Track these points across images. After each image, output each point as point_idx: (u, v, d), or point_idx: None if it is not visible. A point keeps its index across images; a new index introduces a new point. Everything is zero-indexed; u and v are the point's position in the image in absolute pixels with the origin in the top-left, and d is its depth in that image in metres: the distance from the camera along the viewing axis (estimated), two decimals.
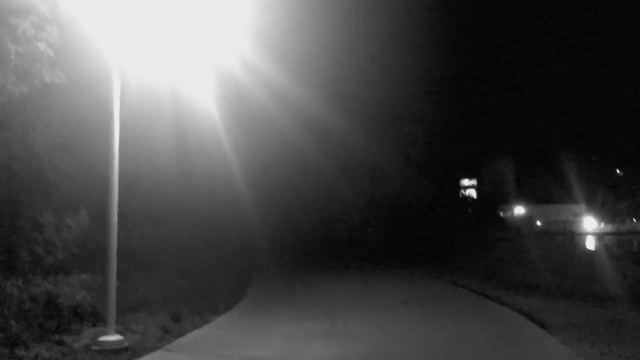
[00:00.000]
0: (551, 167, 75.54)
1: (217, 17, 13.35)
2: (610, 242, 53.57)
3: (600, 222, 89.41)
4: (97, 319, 11.45)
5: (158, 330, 11.12)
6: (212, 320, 12.63)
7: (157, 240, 19.27)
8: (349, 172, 34.65)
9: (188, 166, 22.21)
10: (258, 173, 28.20)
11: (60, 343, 9.79)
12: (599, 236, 70.03)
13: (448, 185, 44.65)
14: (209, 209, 24.99)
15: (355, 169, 35.05)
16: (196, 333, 11.31)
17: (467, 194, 53.61)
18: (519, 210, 77.77)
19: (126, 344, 9.65)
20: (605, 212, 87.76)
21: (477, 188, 59.62)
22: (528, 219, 74.82)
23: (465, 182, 60.44)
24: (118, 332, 10.01)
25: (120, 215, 10.19)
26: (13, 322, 9.84)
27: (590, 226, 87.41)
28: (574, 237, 67.36)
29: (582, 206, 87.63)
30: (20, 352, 9.10)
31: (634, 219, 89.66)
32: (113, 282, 9.88)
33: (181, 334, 11.07)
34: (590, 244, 52.92)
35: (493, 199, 52.72)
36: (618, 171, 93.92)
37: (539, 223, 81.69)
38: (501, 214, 58.33)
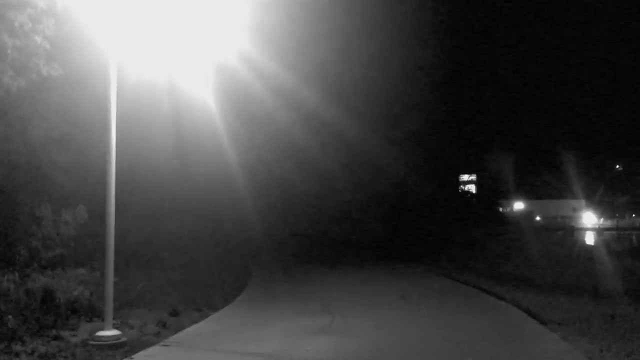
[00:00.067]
0: (551, 162, 75.47)
1: (215, 11, 13.25)
2: (610, 238, 53.55)
3: (599, 217, 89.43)
4: (94, 314, 11.44)
5: (156, 326, 11.08)
6: (210, 316, 12.61)
7: (156, 235, 19.24)
8: (348, 168, 34.60)
9: (186, 161, 22.16)
10: (257, 169, 28.17)
11: (57, 338, 9.74)
12: (599, 231, 70.02)
13: (447, 181, 44.58)
14: (207, 204, 24.95)
15: (355, 165, 34.99)
16: (194, 328, 11.27)
17: (466, 189, 53.52)
18: (519, 205, 77.74)
19: (123, 339, 9.60)
20: (604, 207, 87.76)
21: (477, 183, 59.54)
22: (527, 214, 74.76)
23: (465, 177, 60.37)
24: (115, 327, 9.98)
25: (118, 210, 10.14)
26: (10, 317, 9.79)
27: (590, 221, 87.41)
28: (573, 232, 67.35)
29: (582, 201, 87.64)
30: (17, 347, 9.05)
31: (633, 215, 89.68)
32: (110, 277, 9.82)
33: (179, 329, 11.03)
34: (590, 239, 52.91)
35: (492, 194, 52.59)
36: (618, 166, 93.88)
37: (538, 218, 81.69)
38: (501, 209, 58.21)
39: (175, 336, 10.45)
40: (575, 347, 9.44)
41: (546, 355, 9.08)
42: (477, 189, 55.96)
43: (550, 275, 19.77)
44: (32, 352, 8.84)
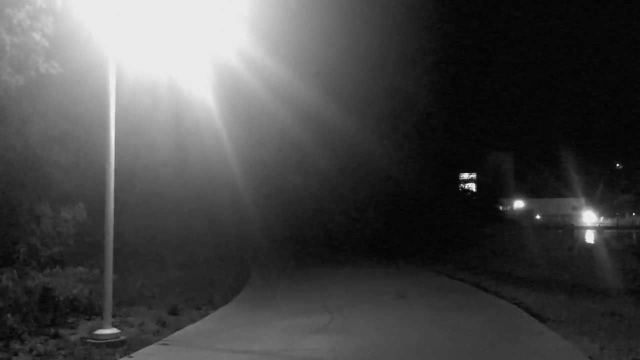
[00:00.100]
0: (551, 160, 75.50)
1: (215, 9, 13.21)
2: (610, 236, 53.61)
3: (599, 215, 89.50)
4: (93, 312, 11.44)
5: (155, 324, 11.06)
6: (209, 314, 12.59)
7: (155, 233, 19.22)
8: (347, 167, 34.54)
9: (185, 160, 22.14)
10: (256, 168, 28.13)
11: (56, 336, 9.74)
12: (599, 230, 70.10)
13: (448, 179, 44.51)
14: (206, 203, 24.93)
15: (354, 163, 34.92)
16: (193, 326, 11.26)
17: (466, 187, 53.46)
18: (519, 204, 77.80)
19: (122, 337, 9.57)
20: (604, 205, 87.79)
21: (477, 182, 59.52)
22: (527, 213, 74.85)
23: (465, 176, 60.33)
24: (114, 325, 9.97)
25: (117, 208, 10.12)
26: (8, 315, 9.76)
27: (590, 220, 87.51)
28: (573, 230, 67.42)
29: (582, 200, 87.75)
30: (15, 345, 9.05)
31: (633, 213, 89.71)
32: (109, 275, 9.80)
33: (178, 327, 11.01)
34: (590, 237, 52.96)
35: (493, 192, 52.59)
36: (618, 165, 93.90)
37: (538, 217, 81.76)
38: (501, 207, 58.21)
39: (174, 335, 10.44)
40: (576, 345, 9.41)
41: (546, 354, 9.06)
42: (477, 187, 55.90)
43: (550, 273, 19.78)
44: (31, 351, 8.82)
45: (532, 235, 40.20)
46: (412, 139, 37.54)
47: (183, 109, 19.57)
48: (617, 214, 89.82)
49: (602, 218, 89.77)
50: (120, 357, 8.77)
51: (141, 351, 9.16)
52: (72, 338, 9.77)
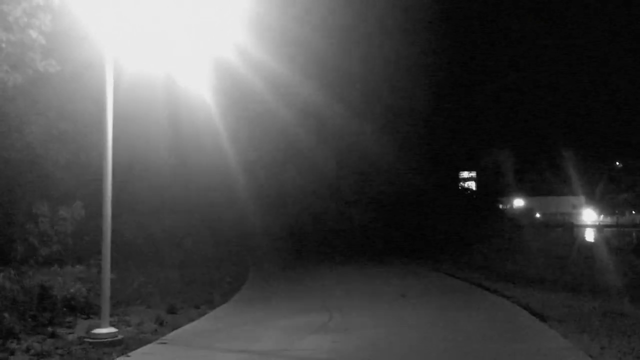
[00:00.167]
0: (551, 159, 75.40)
1: (214, 7, 13.15)
2: (610, 235, 53.57)
3: (599, 214, 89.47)
4: (91, 311, 11.41)
5: (153, 323, 11.02)
6: (208, 313, 12.55)
7: (154, 232, 19.16)
8: (347, 166, 34.48)
9: (184, 158, 22.07)
10: (255, 166, 28.07)
11: (53, 335, 9.70)
12: (599, 228, 70.06)
13: (447, 178, 44.43)
14: (205, 201, 24.86)
15: (354, 161, 34.86)
16: (192, 325, 11.21)
17: (466, 186, 53.31)
18: (519, 202, 77.73)
19: (120, 336, 9.53)
20: (604, 204, 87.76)
21: (477, 180, 59.40)
22: (527, 211, 74.77)
23: (465, 174, 60.20)
24: (112, 324, 9.90)
25: (116, 207, 10.07)
26: (6, 315, 9.70)
27: (590, 218, 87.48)
28: (573, 229, 67.37)
29: (582, 198, 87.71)
30: (12, 344, 9.00)
31: (633, 211, 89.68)
32: (107, 274, 9.75)
33: (176, 326, 10.97)
34: (590, 236, 52.90)
35: (492, 191, 52.43)
36: (617, 163, 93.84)
37: (538, 215, 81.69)
38: (500, 206, 58.08)
39: (172, 334, 10.39)
40: (576, 344, 9.36)
41: (547, 353, 9.00)
42: (477, 185, 55.76)
43: (551, 272, 19.72)
44: (28, 350, 8.78)
45: (532, 233, 40.10)
46: (412, 138, 37.50)
47: (182, 108, 19.48)
48: (617, 212, 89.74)
49: (602, 216, 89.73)
50: (118, 356, 8.73)
51: (139, 350, 9.12)
52: (70, 337, 9.74)
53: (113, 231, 9.92)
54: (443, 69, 40.94)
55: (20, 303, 10.46)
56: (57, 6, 11.32)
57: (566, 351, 9.02)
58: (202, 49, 15.26)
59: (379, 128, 34.44)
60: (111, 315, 10.07)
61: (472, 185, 55.21)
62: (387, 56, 34.06)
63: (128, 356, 8.77)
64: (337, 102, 30.29)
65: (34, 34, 11.23)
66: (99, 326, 9.54)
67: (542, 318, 11.51)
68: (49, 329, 9.99)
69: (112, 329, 9.58)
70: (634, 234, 53.20)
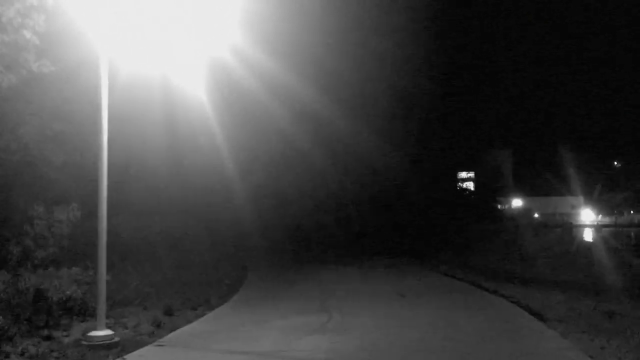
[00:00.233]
0: (549, 159, 75.47)
1: (208, 5, 13.08)
2: (608, 234, 53.59)
3: (598, 214, 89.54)
4: (88, 313, 11.28)
5: (150, 325, 10.92)
6: (205, 315, 12.46)
7: (150, 233, 19.06)
8: (345, 167, 34.40)
9: (180, 159, 21.99)
10: (252, 167, 27.98)
11: (48, 338, 9.60)
12: (597, 228, 70.10)
13: (446, 178, 44.42)
14: (202, 202, 24.77)
15: (351, 162, 34.78)
16: (189, 327, 11.12)
17: (464, 186, 53.29)
18: (517, 202, 77.73)
19: (116, 338, 9.45)
20: (603, 204, 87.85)
21: (475, 180, 59.40)
22: (526, 211, 74.78)
23: (463, 174, 60.22)
24: (109, 326, 9.83)
25: (112, 207, 9.99)
26: (0, 317, 9.61)
27: (588, 218, 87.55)
28: (572, 229, 67.39)
29: (580, 198, 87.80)
30: (6, 347, 8.90)
31: (631, 211, 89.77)
32: (103, 276, 9.66)
33: (174, 328, 10.88)
34: (588, 236, 52.93)
35: (491, 191, 52.47)
36: (616, 163, 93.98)
37: (536, 215, 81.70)
38: (499, 206, 58.11)
39: (169, 336, 10.30)
40: (576, 344, 9.32)
41: (546, 353, 8.95)
42: (476, 186, 55.75)
43: (549, 272, 19.70)
44: (23, 353, 8.69)
45: (531, 233, 40.09)
46: (410, 138, 37.43)
47: (179, 108, 19.39)
48: (615, 212, 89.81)
49: (600, 216, 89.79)
50: (114, 359, 8.64)
51: (135, 353, 9.03)
52: (65, 340, 9.64)
53: (109, 232, 9.84)
54: (441, 68, 40.88)
55: (15, 305, 10.37)
56: (51, 6, 11.25)
57: (565, 351, 8.97)
58: (199, 49, 15.20)
59: (376, 129, 34.35)
60: (108, 317, 10.00)
61: (470, 185, 55.18)
62: (385, 57, 33.97)
63: (124, 359, 8.68)
64: (334, 103, 30.20)
65: (27, 34, 11.17)
66: (95, 328, 9.45)
67: (542, 318, 11.47)
68: (45, 331, 9.89)
69: (109, 331, 9.50)
70: (632, 234, 53.22)
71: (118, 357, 8.73)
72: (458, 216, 37.81)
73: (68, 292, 11.32)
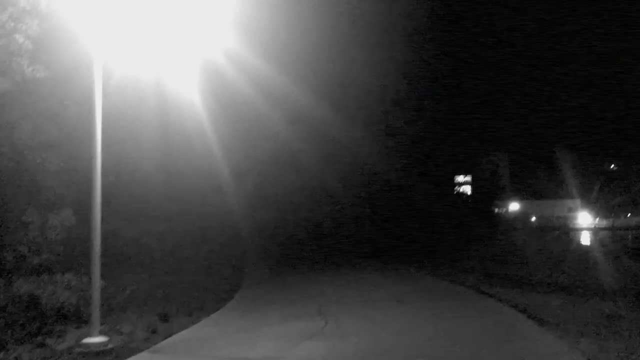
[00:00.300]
0: (546, 162, 75.58)
1: (201, 9, 13.03)
2: (605, 237, 53.56)
3: (595, 217, 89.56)
4: (82, 319, 11.18)
5: (145, 331, 10.84)
6: (201, 320, 12.35)
7: (145, 238, 18.97)
8: (341, 170, 34.36)
9: (174, 162, 21.88)
10: (246, 170, 27.90)
11: (42, 345, 9.51)
12: (594, 231, 70.10)
13: (443, 182, 44.40)
14: (198, 206, 24.67)
15: (348, 166, 34.75)
16: (184, 333, 11.02)
17: (461, 190, 53.29)
18: (514, 206, 77.67)
19: (110, 345, 9.37)
20: (600, 207, 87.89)
21: (472, 184, 59.42)
22: (523, 215, 74.78)
23: (460, 178, 60.23)
24: (103, 333, 9.74)
25: (106, 212, 9.92)
26: None
27: (585, 221, 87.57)
28: (569, 232, 67.42)
29: (577, 201, 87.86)
30: (0, 355, 8.80)
31: (629, 214, 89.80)
32: (97, 282, 9.58)
33: (169, 334, 10.78)
34: (585, 239, 52.91)
35: (488, 195, 52.46)
36: (613, 166, 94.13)
37: (534, 219, 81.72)
38: (496, 210, 58.10)
39: (164, 342, 10.21)
40: (574, 347, 9.26)
41: (545, 357, 8.88)
42: (473, 189, 55.73)
43: (547, 275, 19.64)
44: None
45: (528, 237, 40.11)
46: (407, 141, 37.43)
47: (172, 111, 19.31)
48: (612, 215, 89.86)
49: (597, 219, 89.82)
50: None
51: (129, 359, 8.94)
52: (59, 347, 9.54)
53: (103, 238, 9.77)
54: (438, 72, 40.92)
55: (8, 312, 10.26)
56: (44, 10, 11.18)
57: (564, 354, 8.91)
58: (193, 53, 15.15)
59: (372, 132, 34.36)
60: (102, 324, 9.92)
61: (467, 189, 55.18)
62: (381, 60, 33.97)
63: None
64: (329, 106, 30.17)
65: (20, 38, 11.09)
66: (89, 335, 9.37)
67: (539, 321, 11.40)
68: (38, 338, 9.81)
69: (103, 338, 9.42)
70: (629, 237, 53.22)
71: None
72: (455, 220, 37.79)
73: (62, 299, 11.22)
